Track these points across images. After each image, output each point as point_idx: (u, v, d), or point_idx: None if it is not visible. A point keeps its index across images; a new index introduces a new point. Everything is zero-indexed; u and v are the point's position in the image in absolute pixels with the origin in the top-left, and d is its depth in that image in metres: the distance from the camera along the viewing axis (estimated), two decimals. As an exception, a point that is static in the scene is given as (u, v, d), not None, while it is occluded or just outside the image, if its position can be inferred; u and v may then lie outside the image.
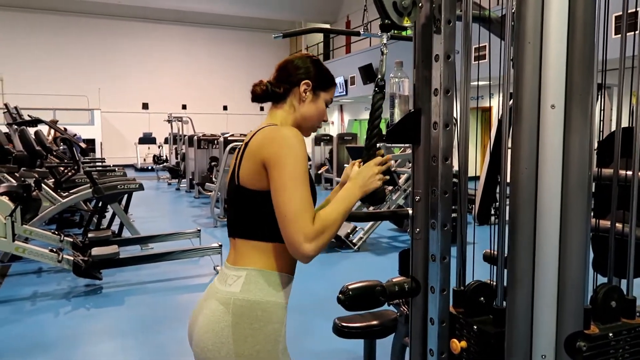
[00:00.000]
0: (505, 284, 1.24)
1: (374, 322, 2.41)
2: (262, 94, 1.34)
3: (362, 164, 1.35)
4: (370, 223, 5.48)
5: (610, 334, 1.24)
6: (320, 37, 19.19)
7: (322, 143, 11.61)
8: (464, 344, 1.28)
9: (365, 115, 17.00)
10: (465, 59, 1.38)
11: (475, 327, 1.29)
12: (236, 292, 1.23)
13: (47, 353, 3.02)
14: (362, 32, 2.05)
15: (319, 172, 11.49)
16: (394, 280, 1.84)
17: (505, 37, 1.21)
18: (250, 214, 1.26)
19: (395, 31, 1.34)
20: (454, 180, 1.52)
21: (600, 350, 1.22)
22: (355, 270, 4.80)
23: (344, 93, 15.14)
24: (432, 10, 1.27)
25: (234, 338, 1.20)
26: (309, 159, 12.46)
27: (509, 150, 1.20)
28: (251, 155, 1.23)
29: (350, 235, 5.47)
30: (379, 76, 1.38)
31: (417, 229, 1.42)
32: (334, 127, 18.70)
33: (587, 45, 1.10)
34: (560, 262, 1.14)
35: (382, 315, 2.47)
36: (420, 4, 1.28)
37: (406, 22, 1.27)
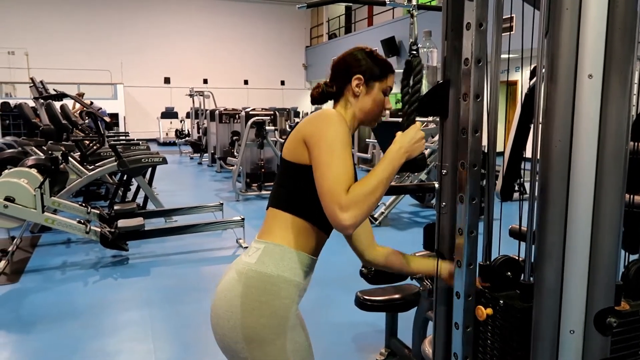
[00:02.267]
0: (533, 259, 1.23)
1: (396, 296, 2.42)
2: (319, 96, 1.39)
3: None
4: (392, 198, 5.46)
5: (641, 311, 1.22)
6: (342, 9, 18.85)
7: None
8: (490, 311, 1.27)
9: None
10: (497, 29, 1.33)
11: (502, 301, 1.28)
12: (252, 263, 1.25)
13: (77, 320, 3.12)
14: (387, 2, 1.99)
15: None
16: (417, 254, 1.83)
17: (541, 4, 1.16)
18: (287, 185, 1.31)
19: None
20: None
21: (630, 327, 1.20)
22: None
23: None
24: (464, -24, 1.23)
25: (242, 309, 1.21)
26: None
27: (539, 125, 1.17)
28: (295, 131, 1.29)
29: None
30: (412, 40, 1.38)
31: (444, 203, 1.41)
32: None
33: (629, 11, 1.05)
34: (592, 238, 1.11)
35: (404, 289, 2.48)
36: (452, -30, 1.24)
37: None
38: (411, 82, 1.33)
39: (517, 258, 1.40)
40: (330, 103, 1.43)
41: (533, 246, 1.21)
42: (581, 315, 1.14)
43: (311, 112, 1.36)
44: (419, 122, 1.32)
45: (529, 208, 1.25)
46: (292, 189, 1.29)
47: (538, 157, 1.17)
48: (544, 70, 1.15)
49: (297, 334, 1.27)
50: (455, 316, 1.33)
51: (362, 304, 2.40)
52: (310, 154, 1.23)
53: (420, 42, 1.47)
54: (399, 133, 1.31)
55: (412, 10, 1.31)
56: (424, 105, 1.39)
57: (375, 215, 5.44)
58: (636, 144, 1.44)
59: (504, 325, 1.28)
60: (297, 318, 1.29)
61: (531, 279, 1.24)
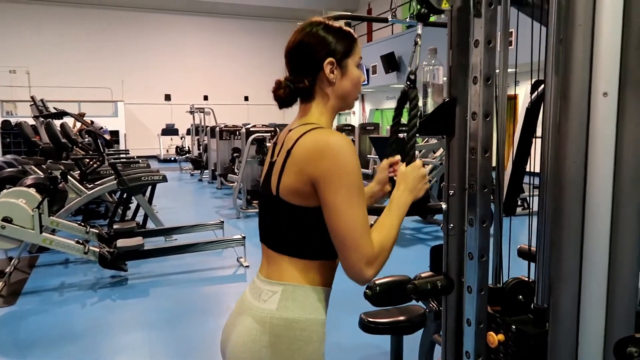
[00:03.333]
0: (545, 281, 1.18)
1: (401, 318, 2.35)
2: (287, 97, 1.16)
3: (404, 163, 1.26)
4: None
5: (665, 339, 1.16)
6: (341, 25, 18.97)
7: (343, 133, 11.50)
8: (501, 337, 1.22)
9: (388, 105, 16.82)
10: (504, 46, 1.30)
11: (514, 326, 1.23)
12: (272, 309, 1.12)
13: (75, 343, 3.05)
14: (389, 18, 1.96)
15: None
16: (422, 275, 1.77)
17: (550, 20, 1.12)
18: (290, 229, 1.14)
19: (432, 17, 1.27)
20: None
21: (653, 356, 1.14)
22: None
23: (366, 82, 14.96)
24: (471, -8, 1.19)
25: (273, 359, 1.12)
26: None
27: (539, 140, 1.13)
28: (296, 168, 1.09)
29: (374, 227, 5.41)
30: (411, 69, 1.27)
31: (452, 225, 1.36)
32: (355, 117, 18.56)
33: (645, 27, 1.01)
34: (610, 263, 1.06)
35: (409, 310, 2.41)
36: (457, -14, 1.20)
37: (444, 6, 1.19)
38: (409, 116, 1.25)
39: (527, 280, 1.35)
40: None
41: (545, 268, 1.16)
42: (599, 344, 1.09)
43: (302, 131, 1.13)
44: (419, 160, 1.24)
45: (538, 227, 1.20)
46: (296, 233, 1.13)
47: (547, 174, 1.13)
48: (553, 88, 1.11)
49: None
50: (467, 344, 1.27)
51: (366, 326, 2.33)
52: (320, 195, 1.07)
53: (425, 60, 1.43)
54: (400, 172, 1.22)
55: (417, 38, 1.25)
56: (430, 124, 1.35)
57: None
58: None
59: (516, 352, 1.23)
60: (324, 357, 1.21)
61: (544, 303, 1.19)
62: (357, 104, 18.52)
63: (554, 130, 1.11)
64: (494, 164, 1.25)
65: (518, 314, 1.27)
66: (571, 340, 1.11)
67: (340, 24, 1.21)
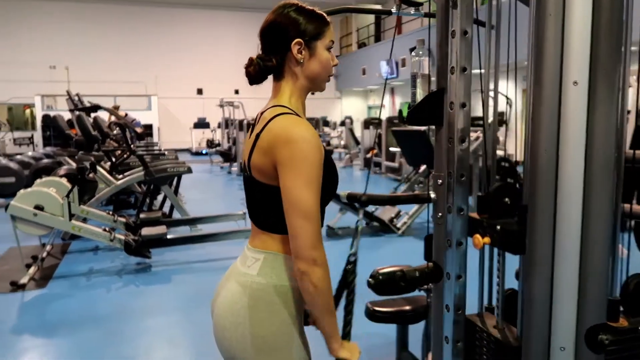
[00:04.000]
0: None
1: (406, 308, 2.38)
2: (257, 74, 1.22)
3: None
4: (415, 207, 5.39)
5: (641, 328, 1.16)
6: (371, 18, 18.86)
7: (371, 127, 11.48)
8: (487, 239, 1.23)
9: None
10: (489, 36, 1.31)
11: (499, 227, 1.21)
12: (253, 274, 1.22)
13: (98, 325, 3.20)
14: (393, 11, 1.98)
15: (368, 156, 11.40)
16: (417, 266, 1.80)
17: (531, 10, 1.13)
18: (264, 206, 1.22)
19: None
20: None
21: (628, 345, 1.14)
22: (398, 255, 4.75)
23: (395, 75, 14.86)
24: (450, -16, 1.21)
25: (251, 319, 1.20)
26: (358, 142, 12.38)
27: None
28: (263, 151, 1.16)
29: (394, 220, 5.41)
30: (351, 251, 1.33)
31: (440, 214, 1.38)
32: (385, 110, 18.45)
33: (615, 16, 1.02)
34: (582, 250, 1.08)
35: (415, 300, 2.43)
36: (436, -22, 1.23)
37: (421, -2, 1.22)
38: (346, 299, 1.32)
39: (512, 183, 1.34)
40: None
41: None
42: (572, 331, 1.10)
43: (273, 115, 1.18)
44: (356, 346, 1.27)
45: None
46: (269, 209, 1.20)
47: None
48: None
49: (303, 340, 1.27)
50: (446, 329, 1.30)
51: (372, 314, 2.37)
52: (280, 179, 1.13)
53: (414, 51, 1.45)
54: (342, 346, 1.24)
55: (358, 223, 1.30)
56: (417, 114, 1.38)
57: (398, 225, 5.38)
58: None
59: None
60: (302, 324, 1.28)
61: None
62: (387, 97, 18.40)
63: (528, 119, 1.12)
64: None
65: (504, 217, 1.24)
66: (544, 327, 1.13)
67: (314, 7, 1.24)
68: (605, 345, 1.08)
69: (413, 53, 1.44)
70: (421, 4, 1.25)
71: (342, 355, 1.22)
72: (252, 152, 1.19)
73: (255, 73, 1.22)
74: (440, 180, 1.36)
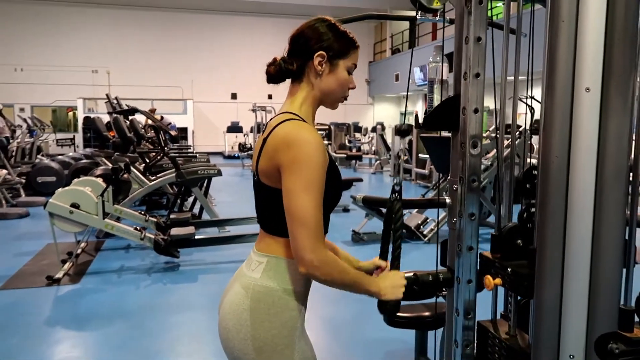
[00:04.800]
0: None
1: (426, 313, 2.37)
2: (276, 74, 1.27)
3: (387, 266, 1.37)
4: (443, 214, 5.34)
5: (656, 339, 1.13)
6: (406, 24, 18.79)
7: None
8: (498, 281, 1.24)
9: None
10: (506, 43, 1.31)
11: (510, 269, 1.21)
12: (256, 277, 1.25)
13: (126, 320, 3.32)
14: (418, 17, 2.00)
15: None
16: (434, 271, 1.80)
17: (545, 17, 1.13)
18: (269, 209, 1.25)
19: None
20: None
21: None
22: (423, 262, 4.72)
23: (427, 78, 14.75)
24: (466, -10, 1.22)
25: (252, 322, 1.23)
26: (389, 149, 12.33)
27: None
28: (268, 155, 1.20)
29: (421, 227, 5.38)
30: (395, 180, 1.34)
31: (454, 219, 1.39)
32: (417, 116, 18.30)
33: (629, 22, 1.01)
34: (592, 258, 1.07)
35: (434, 306, 2.42)
36: (452, -15, 1.24)
37: (436, 4, 1.23)
38: (392, 227, 1.32)
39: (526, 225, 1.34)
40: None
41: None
42: (581, 340, 1.09)
43: (281, 120, 1.22)
44: (403, 272, 1.31)
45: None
46: (275, 212, 1.22)
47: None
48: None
49: (305, 343, 1.29)
50: (456, 334, 1.30)
51: (390, 320, 2.37)
52: (282, 181, 1.16)
53: (431, 56, 1.46)
54: (383, 273, 1.33)
55: (400, 151, 1.31)
56: (433, 120, 1.39)
57: (425, 232, 5.34)
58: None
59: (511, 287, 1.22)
60: (303, 327, 1.30)
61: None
62: (420, 103, 18.27)
63: (541, 125, 1.12)
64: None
65: (516, 259, 1.25)
66: (554, 335, 1.12)
67: (346, 29, 1.29)
68: (615, 355, 1.06)
69: (430, 59, 1.46)
70: (436, 10, 1.26)
71: (386, 297, 1.27)
72: (260, 156, 1.23)
73: (274, 72, 1.27)
74: (456, 186, 1.37)
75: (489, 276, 1.25)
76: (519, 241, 1.25)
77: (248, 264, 1.31)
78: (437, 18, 2.10)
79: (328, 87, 1.26)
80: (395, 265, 1.34)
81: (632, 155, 1.09)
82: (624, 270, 1.10)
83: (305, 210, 1.13)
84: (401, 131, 1.36)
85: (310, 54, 1.23)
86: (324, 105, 1.31)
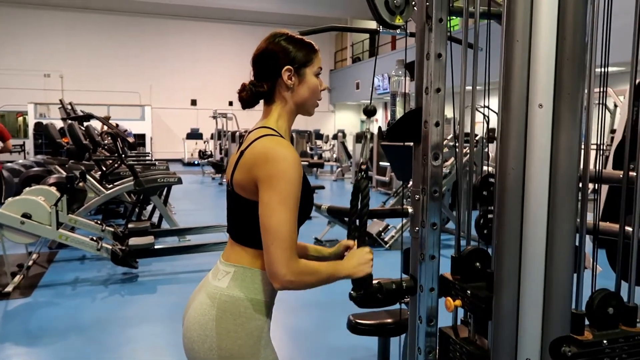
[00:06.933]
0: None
1: (388, 320, 2.41)
2: (249, 99, 1.30)
3: (354, 245, 1.38)
4: (404, 221, 5.44)
5: (605, 341, 1.20)
6: (366, 34, 19.10)
7: (362, 140, 11.55)
8: (458, 302, 1.27)
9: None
10: (465, 59, 1.36)
11: (469, 291, 1.26)
12: (223, 287, 1.25)
13: (81, 334, 3.20)
14: (381, 30, 2.04)
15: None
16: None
17: (501, 36, 1.19)
18: (241, 220, 1.27)
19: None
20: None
21: (592, 358, 1.18)
22: (384, 269, 4.77)
23: (389, 90, 15.02)
24: (426, 8, 1.27)
25: (217, 332, 1.23)
26: (350, 156, 12.46)
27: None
28: (245, 168, 1.22)
29: (382, 234, 5.45)
30: (362, 160, 1.37)
31: (416, 228, 1.42)
32: (377, 124, 18.59)
33: (578, 43, 1.07)
34: (546, 265, 1.12)
35: (397, 313, 2.46)
36: (413, 3, 1.28)
37: (398, 21, 1.27)
38: (359, 205, 1.34)
39: (485, 248, 1.38)
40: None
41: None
42: (537, 343, 1.14)
43: (258, 135, 1.25)
44: (368, 247, 1.34)
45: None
46: (247, 223, 1.24)
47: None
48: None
49: (271, 351, 1.30)
50: (419, 341, 1.33)
51: (354, 327, 2.40)
52: (260, 195, 1.18)
53: (393, 70, 1.50)
54: (350, 252, 1.34)
55: (366, 132, 1.34)
56: (396, 131, 1.42)
57: (386, 239, 5.42)
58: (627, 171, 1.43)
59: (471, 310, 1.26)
60: (269, 337, 1.31)
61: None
62: (380, 112, 18.55)
63: (498, 139, 1.17)
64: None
65: (476, 281, 1.29)
66: (511, 339, 1.17)
67: (302, 36, 1.32)
68: (568, 357, 1.11)
69: (392, 72, 1.50)
70: (399, 26, 1.30)
71: (357, 275, 1.30)
72: (235, 168, 1.24)
73: (247, 98, 1.30)
74: (417, 196, 1.40)
75: (449, 298, 1.29)
76: (477, 264, 1.29)
77: (214, 274, 1.30)
78: (398, 32, 2.16)
79: (301, 98, 1.29)
80: (361, 242, 1.36)
81: (581, 167, 1.15)
82: (575, 275, 1.16)
83: (280, 225, 1.15)
84: (368, 111, 1.38)
85: (277, 71, 1.26)
86: (301, 114, 1.34)
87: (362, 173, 1.36)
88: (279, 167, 1.16)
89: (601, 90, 1.23)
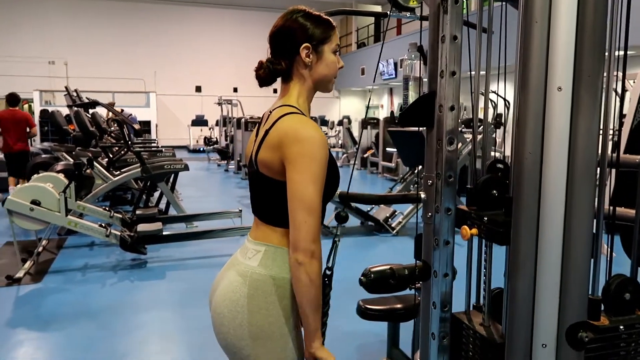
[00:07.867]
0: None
1: (397, 306, 2.41)
2: (267, 77, 1.28)
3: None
4: (410, 207, 5.43)
5: (622, 327, 1.19)
6: (371, 19, 18.90)
7: (369, 127, 11.51)
8: (474, 231, 1.26)
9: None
10: (480, 41, 1.33)
11: (486, 218, 1.23)
12: (254, 265, 1.26)
13: (91, 320, 3.23)
14: (390, 13, 2.01)
15: (365, 155, 11.43)
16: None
17: (518, 17, 1.16)
18: (269, 200, 1.26)
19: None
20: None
21: (608, 343, 1.18)
22: (392, 255, 4.79)
23: (394, 76, 14.87)
24: (441, -11, 1.24)
25: (249, 308, 1.24)
26: (356, 142, 12.41)
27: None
28: (271, 148, 1.21)
29: (389, 220, 5.45)
30: (328, 265, 1.35)
31: (429, 214, 1.41)
32: (383, 110, 18.49)
33: (598, 25, 1.05)
34: (564, 250, 1.11)
35: (407, 299, 2.47)
36: (428, -16, 1.25)
37: (412, 3, 1.25)
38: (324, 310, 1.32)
39: (498, 176, 1.36)
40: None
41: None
42: (553, 329, 1.13)
43: (281, 113, 1.23)
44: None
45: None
46: (274, 203, 1.24)
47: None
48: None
49: (298, 333, 1.31)
50: (432, 326, 1.33)
51: (364, 312, 2.40)
52: (287, 174, 1.18)
53: (406, 54, 1.48)
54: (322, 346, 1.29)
55: (336, 238, 1.36)
56: (409, 116, 1.41)
57: (393, 225, 5.42)
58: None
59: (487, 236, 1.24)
60: (298, 320, 1.30)
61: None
62: (385, 97, 18.43)
63: (515, 123, 1.15)
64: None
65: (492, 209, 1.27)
66: (527, 325, 1.16)
67: (320, 13, 1.30)
68: (585, 343, 1.11)
69: (405, 56, 1.48)
70: (413, 9, 1.28)
71: (321, 354, 1.26)
72: (260, 148, 1.24)
73: (265, 76, 1.28)
74: (430, 181, 1.39)
75: (465, 226, 1.27)
76: (494, 191, 1.27)
77: (243, 253, 1.31)
78: (409, 15, 2.13)
79: (320, 75, 1.28)
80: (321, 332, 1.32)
81: (600, 151, 1.13)
82: (592, 261, 1.15)
83: (310, 203, 1.16)
84: (340, 217, 1.39)
85: (296, 48, 1.24)
86: (319, 91, 1.33)
87: (326, 280, 1.35)
88: (307, 147, 1.16)
89: (617, 73, 1.21)
